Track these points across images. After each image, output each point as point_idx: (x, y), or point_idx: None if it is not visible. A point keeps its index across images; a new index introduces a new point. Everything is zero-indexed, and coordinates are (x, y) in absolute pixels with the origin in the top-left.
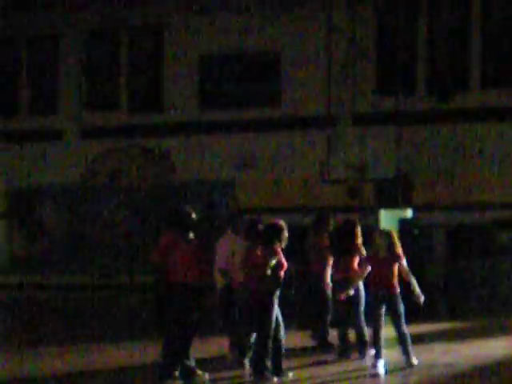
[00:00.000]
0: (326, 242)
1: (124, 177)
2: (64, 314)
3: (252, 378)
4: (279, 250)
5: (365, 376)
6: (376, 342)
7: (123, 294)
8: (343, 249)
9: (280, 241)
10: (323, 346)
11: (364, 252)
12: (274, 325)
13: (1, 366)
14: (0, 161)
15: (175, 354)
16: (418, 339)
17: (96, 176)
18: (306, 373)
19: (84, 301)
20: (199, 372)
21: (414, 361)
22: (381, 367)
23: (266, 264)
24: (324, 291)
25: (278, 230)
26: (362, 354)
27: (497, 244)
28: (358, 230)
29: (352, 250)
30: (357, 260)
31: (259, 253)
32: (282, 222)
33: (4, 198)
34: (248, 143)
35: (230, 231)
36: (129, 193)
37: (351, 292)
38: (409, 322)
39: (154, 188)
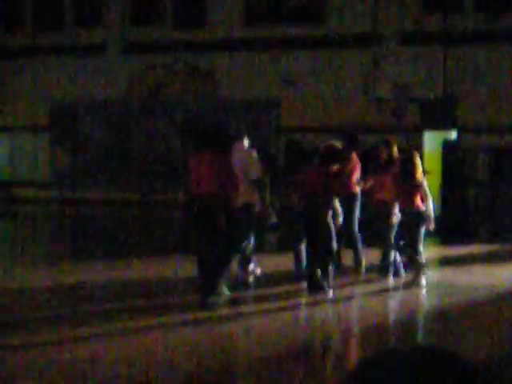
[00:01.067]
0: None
1: (167, 93)
2: (102, 229)
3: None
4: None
5: (406, 292)
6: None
7: (162, 211)
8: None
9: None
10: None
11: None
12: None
13: (38, 277)
14: (42, 75)
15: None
16: (460, 261)
17: (138, 91)
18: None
19: (122, 217)
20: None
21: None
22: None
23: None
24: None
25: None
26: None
27: None
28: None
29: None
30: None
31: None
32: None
33: (46, 113)
34: (292, 61)
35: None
36: (171, 109)
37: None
38: (452, 243)
39: (197, 105)
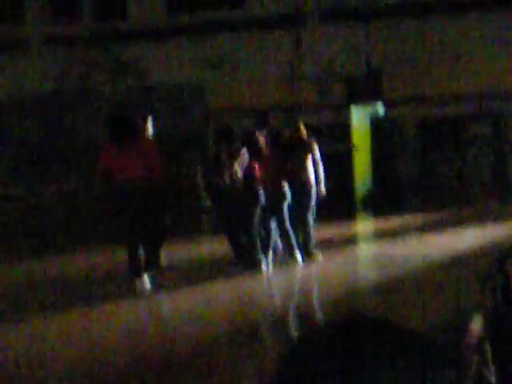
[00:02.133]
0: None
1: (93, 85)
2: (23, 224)
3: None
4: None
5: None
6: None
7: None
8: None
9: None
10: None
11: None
12: None
13: None
14: None
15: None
16: (393, 232)
17: (63, 85)
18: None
19: (47, 210)
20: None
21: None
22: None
23: None
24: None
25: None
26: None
27: (468, 136)
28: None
29: None
30: None
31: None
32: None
33: None
34: (216, 46)
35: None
36: (99, 101)
37: None
38: (382, 215)
39: (123, 95)
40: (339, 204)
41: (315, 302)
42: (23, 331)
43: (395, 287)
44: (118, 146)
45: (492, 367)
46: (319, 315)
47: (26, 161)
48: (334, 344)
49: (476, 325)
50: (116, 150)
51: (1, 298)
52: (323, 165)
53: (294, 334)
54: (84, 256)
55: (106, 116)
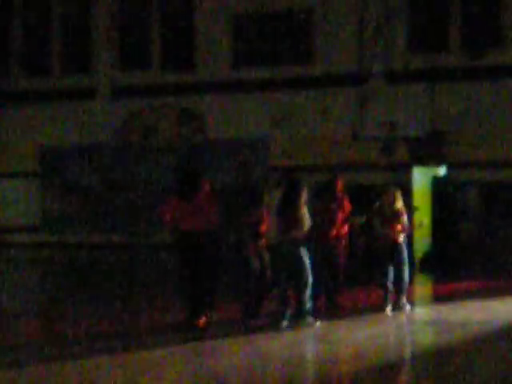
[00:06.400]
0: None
1: (156, 137)
2: (94, 273)
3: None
4: None
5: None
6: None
7: (156, 253)
8: None
9: None
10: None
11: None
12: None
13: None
14: (32, 121)
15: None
16: (451, 297)
17: (128, 135)
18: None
19: (115, 260)
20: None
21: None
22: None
23: None
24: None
25: None
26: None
27: None
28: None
29: None
30: None
31: None
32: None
33: (36, 158)
34: (281, 102)
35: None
36: (161, 153)
37: None
38: (440, 279)
39: (186, 147)
40: None
41: (369, 365)
42: None
43: (448, 354)
44: (184, 199)
45: None
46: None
47: (90, 208)
48: None
49: None
50: (181, 202)
51: None
52: None
53: None
54: None
55: (178, 171)
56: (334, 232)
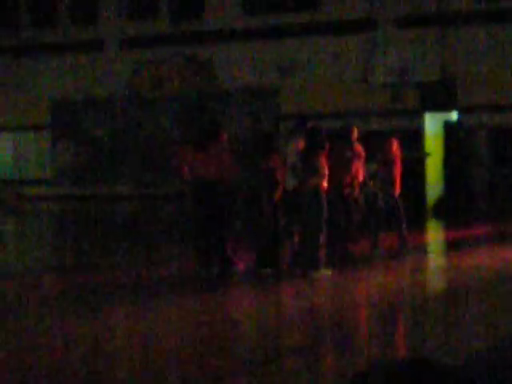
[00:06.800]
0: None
1: (167, 86)
2: (110, 224)
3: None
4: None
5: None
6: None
7: (165, 203)
8: None
9: None
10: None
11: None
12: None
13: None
14: (42, 73)
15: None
16: (462, 242)
17: (137, 86)
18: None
19: (127, 211)
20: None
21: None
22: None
23: None
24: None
25: None
26: None
27: None
28: None
29: None
30: None
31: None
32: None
33: (47, 110)
34: (289, 49)
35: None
36: (172, 102)
37: None
38: (452, 223)
39: (196, 96)
40: (410, 210)
41: (384, 306)
42: None
43: (458, 299)
44: (200, 149)
45: None
46: (395, 316)
47: (101, 160)
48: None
49: None
50: (194, 151)
51: None
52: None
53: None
54: None
55: (193, 121)
56: (349, 179)
